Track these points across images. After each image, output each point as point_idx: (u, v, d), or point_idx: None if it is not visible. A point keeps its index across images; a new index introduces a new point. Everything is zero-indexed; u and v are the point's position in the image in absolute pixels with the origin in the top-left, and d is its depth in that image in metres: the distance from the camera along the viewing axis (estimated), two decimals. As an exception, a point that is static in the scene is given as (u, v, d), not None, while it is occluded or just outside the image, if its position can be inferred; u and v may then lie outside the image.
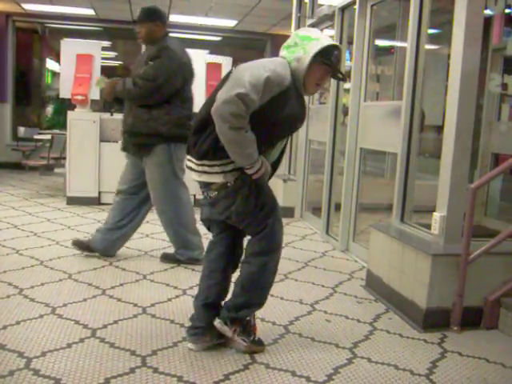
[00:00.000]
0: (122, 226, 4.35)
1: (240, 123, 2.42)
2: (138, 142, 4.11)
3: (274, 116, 2.54)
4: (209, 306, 2.83)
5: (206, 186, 2.70)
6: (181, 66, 4.05)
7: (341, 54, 2.64)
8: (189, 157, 2.71)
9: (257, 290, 2.78)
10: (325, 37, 2.65)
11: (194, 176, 2.71)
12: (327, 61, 2.58)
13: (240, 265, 2.86)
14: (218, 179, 2.61)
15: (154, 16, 4.18)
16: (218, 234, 2.91)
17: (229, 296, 2.88)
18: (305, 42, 2.58)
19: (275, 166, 2.84)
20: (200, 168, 2.63)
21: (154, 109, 4.01)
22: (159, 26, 4.16)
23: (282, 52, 2.68)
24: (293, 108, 2.58)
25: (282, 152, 2.84)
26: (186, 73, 4.11)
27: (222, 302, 2.86)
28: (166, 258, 4.41)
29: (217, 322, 2.76)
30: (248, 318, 2.81)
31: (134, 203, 4.35)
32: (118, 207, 4.34)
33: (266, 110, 2.49)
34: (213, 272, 2.87)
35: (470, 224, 3.14)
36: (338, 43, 2.70)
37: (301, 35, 2.64)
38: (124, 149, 4.31)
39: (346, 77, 2.76)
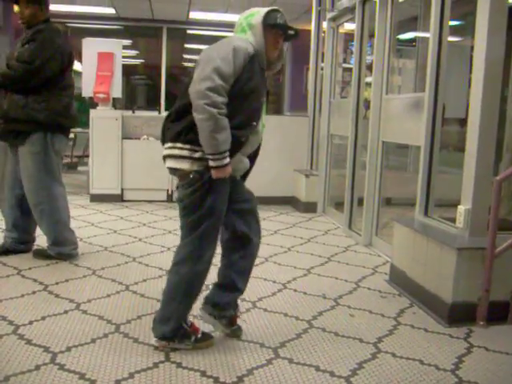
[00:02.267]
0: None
1: (217, 99, 2.42)
2: (13, 129, 3.95)
3: (246, 86, 2.54)
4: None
5: (174, 173, 2.67)
6: (58, 49, 3.94)
7: (282, 14, 2.73)
8: (164, 145, 2.68)
9: (171, 302, 2.73)
10: (262, 8, 2.73)
11: (166, 164, 2.66)
12: (274, 23, 2.67)
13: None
14: (184, 165, 2.58)
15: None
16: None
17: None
18: (249, 19, 2.70)
19: (253, 159, 2.84)
20: (170, 151, 2.61)
21: (30, 95, 3.87)
22: (43, 11, 4.03)
23: (236, 32, 2.76)
24: (257, 79, 2.60)
25: (259, 146, 2.83)
26: (64, 57, 3.99)
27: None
28: (37, 253, 4.24)
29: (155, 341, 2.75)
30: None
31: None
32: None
33: (239, 82, 2.52)
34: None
35: (496, 217, 3.09)
36: (275, 7, 2.76)
37: (244, 16, 2.75)
38: (1, 137, 4.11)
39: (297, 31, 2.76)
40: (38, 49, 3.86)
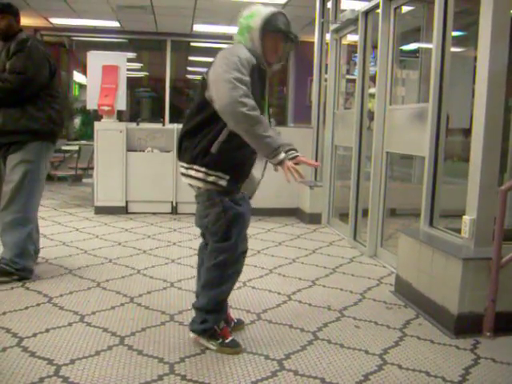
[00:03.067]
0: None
1: (251, 102, 2.47)
2: (8, 141, 3.90)
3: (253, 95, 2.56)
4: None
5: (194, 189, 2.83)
6: (45, 56, 3.95)
7: (285, 16, 2.74)
8: (180, 162, 2.81)
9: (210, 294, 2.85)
10: (264, 8, 2.73)
11: (183, 180, 2.81)
12: (274, 28, 2.68)
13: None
14: (199, 184, 2.73)
15: (14, 9, 4.03)
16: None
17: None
18: (249, 21, 2.70)
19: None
20: (186, 171, 2.76)
21: (26, 105, 3.87)
22: (18, 22, 4.03)
23: (236, 38, 2.79)
24: (256, 88, 2.63)
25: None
26: (50, 64, 4.00)
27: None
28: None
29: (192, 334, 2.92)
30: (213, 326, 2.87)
31: None
32: None
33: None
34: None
35: (501, 227, 3.08)
36: (277, 9, 2.75)
37: (244, 16, 2.75)
38: None
39: (297, 36, 2.80)
40: (29, 58, 3.86)
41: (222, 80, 2.49)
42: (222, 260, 2.78)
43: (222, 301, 2.89)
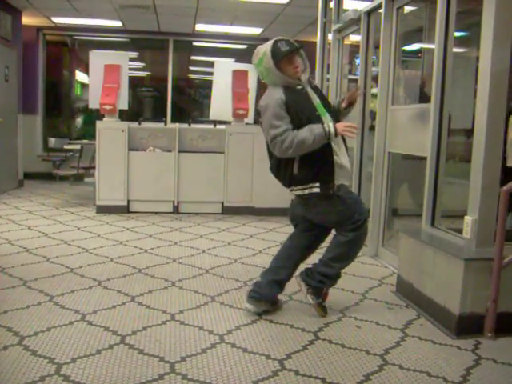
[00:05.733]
0: None
1: (287, 146, 3.09)
2: None
3: (298, 119, 3.17)
4: (276, 282, 3.41)
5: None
6: None
7: (283, 39, 3.22)
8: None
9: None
10: (264, 45, 3.23)
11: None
12: (282, 55, 3.15)
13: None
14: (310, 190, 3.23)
15: None
16: (305, 230, 3.48)
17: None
18: (263, 65, 3.21)
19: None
20: (292, 192, 3.32)
21: None
22: None
23: (265, 81, 3.33)
24: (303, 105, 3.21)
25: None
26: None
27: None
28: None
29: (298, 279, 3.44)
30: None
31: None
32: None
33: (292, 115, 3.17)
34: (289, 259, 3.47)
35: (503, 227, 3.07)
36: (273, 39, 3.24)
37: (257, 63, 3.28)
38: None
39: (302, 44, 3.25)
40: None
41: (266, 128, 3.21)
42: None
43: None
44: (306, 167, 3.18)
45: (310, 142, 3.07)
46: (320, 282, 3.37)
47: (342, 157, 3.26)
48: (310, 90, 3.29)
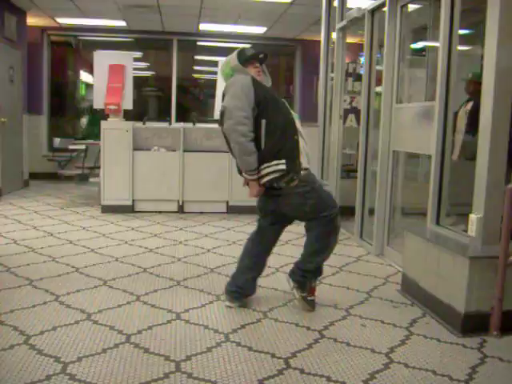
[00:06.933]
0: None
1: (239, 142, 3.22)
2: None
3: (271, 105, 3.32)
4: (254, 279, 3.56)
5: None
6: None
7: (249, 48, 3.52)
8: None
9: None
10: (230, 55, 3.48)
11: None
12: (246, 56, 3.40)
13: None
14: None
15: None
16: (272, 224, 3.55)
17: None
18: (229, 66, 3.43)
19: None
20: (261, 179, 3.33)
21: None
22: None
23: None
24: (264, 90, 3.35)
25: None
26: None
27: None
28: None
29: (287, 276, 3.55)
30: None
31: None
32: None
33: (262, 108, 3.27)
34: (261, 253, 3.59)
35: (508, 225, 3.06)
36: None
37: (222, 68, 3.49)
38: None
39: (266, 53, 3.48)
40: None
41: (225, 112, 3.30)
42: None
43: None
44: (270, 143, 3.25)
45: (243, 158, 3.23)
46: (302, 277, 3.46)
47: (304, 144, 3.40)
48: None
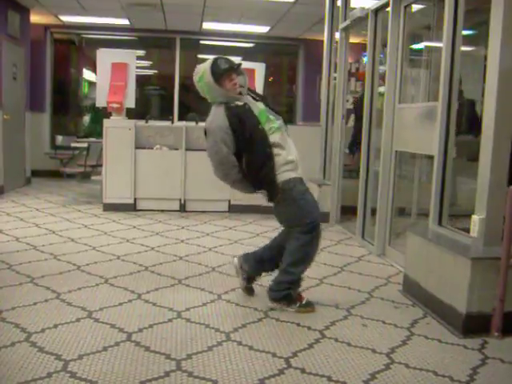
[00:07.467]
0: None
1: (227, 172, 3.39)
2: None
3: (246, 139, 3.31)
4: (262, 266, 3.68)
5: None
6: None
7: (222, 58, 3.42)
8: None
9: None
10: (204, 63, 3.40)
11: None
12: (221, 71, 3.34)
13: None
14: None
15: None
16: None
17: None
18: (203, 81, 3.37)
19: None
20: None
21: None
22: None
23: (208, 98, 3.47)
24: (241, 122, 3.31)
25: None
26: None
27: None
28: None
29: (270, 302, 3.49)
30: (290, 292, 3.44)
31: None
32: None
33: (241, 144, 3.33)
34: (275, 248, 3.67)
35: (510, 226, 3.05)
36: (213, 57, 3.44)
37: (197, 81, 3.42)
38: None
39: (239, 64, 3.45)
40: None
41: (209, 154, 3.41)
42: None
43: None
44: (250, 173, 3.37)
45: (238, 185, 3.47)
46: (287, 289, 3.43)
47: (290, 151, 3.40)
48: (252, 101, 3.44)
